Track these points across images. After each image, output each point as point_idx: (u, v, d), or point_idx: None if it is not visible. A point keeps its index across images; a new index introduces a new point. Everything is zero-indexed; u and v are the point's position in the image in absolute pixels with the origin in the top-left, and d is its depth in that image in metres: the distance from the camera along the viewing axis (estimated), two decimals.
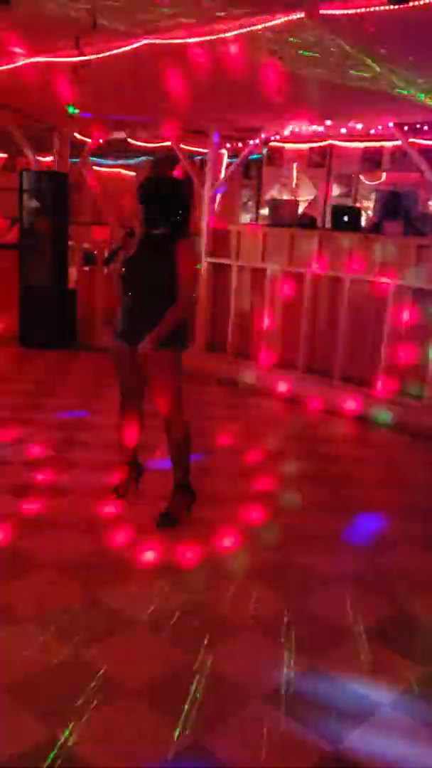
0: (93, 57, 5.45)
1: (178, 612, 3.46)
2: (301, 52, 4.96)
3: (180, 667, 3.06)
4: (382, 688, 3.02)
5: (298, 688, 2.98)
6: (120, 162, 14.66)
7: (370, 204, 10.31)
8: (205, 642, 3.23)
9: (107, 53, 5.43)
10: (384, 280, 7.01)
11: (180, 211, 4.33)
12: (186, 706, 2.80)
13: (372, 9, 4.06)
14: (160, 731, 2.67)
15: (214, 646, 3.21)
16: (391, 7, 3.89)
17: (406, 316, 6.91)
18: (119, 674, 2.97)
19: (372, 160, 11.08)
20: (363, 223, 8.75)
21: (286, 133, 9.02)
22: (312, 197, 11.86)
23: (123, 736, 2.64)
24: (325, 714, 2.84)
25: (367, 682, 3.06)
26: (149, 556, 4.01)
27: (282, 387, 7.54)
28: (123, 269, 4.39)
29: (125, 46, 5.27)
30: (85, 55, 5.41)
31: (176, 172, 10.01)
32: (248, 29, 4.69)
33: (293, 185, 12.14)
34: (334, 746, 2.66)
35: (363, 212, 9.66)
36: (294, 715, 2.81)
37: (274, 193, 12.40)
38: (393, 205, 7.84)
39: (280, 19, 4.41)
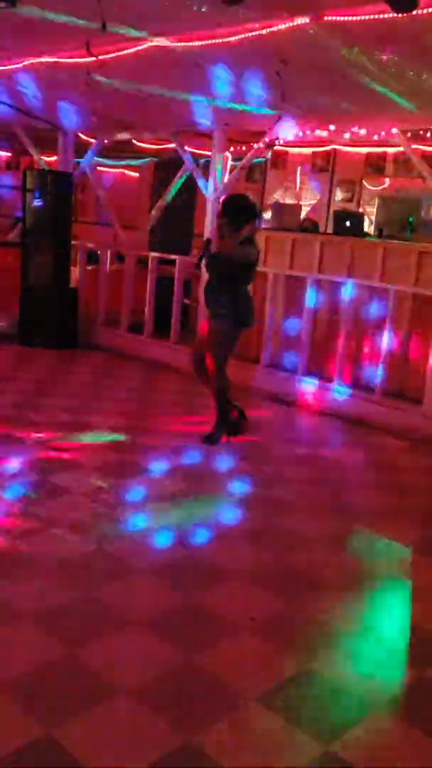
0: (102, 57, 5.48)
1: (175, 612, 3.49)
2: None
3: (175, 667, 3.07)
4: (376, 690, 3.04)
5: (292, 688, 3.00)
6: (124, 163, 14.68)
7: (373, 209, 10.33)
8: (202, 642, 3.25)
9: (113, 54, 5.47)
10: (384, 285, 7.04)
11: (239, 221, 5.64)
12: (180, 707, 2.81)
13: (377, 16, 4.09)
14: (154, 731, 2.68)
15: (210, 647, 3.23)
16: (396, 15, 3.92)
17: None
18: (115, 674, 2.98)
19: (375, 166, 11.10)
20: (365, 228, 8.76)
21: (290, 137, 9.05)
22: (315, 201, 11.88)
23: (116, 736, 2.65)
24: (320, 715, 2.86)
25: (360, 682, 3.08)
26: (148, 555, 4.03)
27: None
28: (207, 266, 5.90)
29: (131, 48, 5.31)
30: (95, 57, 5.44)
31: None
32: (253, 33, 4.73)
33: (297, 189, 12.16)
34: (329, 747, 2.68)
35: (366, 217, 9.69)
36: (288, 715, 2.82)
37: (277, 197, 12.42)
38: None
39: (284, 25, 4.44)
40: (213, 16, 4.51)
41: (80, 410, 6.61)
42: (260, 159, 11.72)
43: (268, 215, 11.34)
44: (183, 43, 5.00)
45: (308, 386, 7.46)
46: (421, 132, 8.00)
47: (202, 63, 5.45)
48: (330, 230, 9.35)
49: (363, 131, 8.46)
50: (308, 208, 11.58)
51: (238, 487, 5.16)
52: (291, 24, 4.47)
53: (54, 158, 10.40)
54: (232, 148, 10.43)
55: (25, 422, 6.11)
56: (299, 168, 11.98)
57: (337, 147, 10.92)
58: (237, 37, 4.74)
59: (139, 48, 5.35)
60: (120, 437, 5.97)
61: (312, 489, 5.26)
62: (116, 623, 3.35)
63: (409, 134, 7.94)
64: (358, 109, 7.02)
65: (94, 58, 5.43)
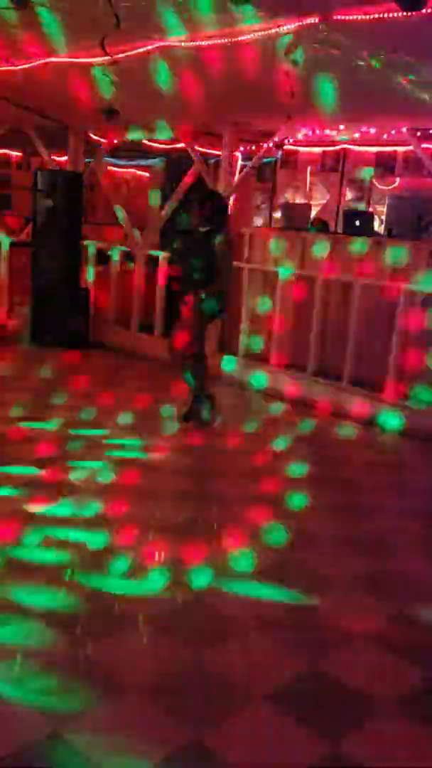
0: (116, 57, 5.48)
1: (182, 611, 3.50)
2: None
3: (183, 666, 3.08)
4: (382, 690, 3.04)
5: (299, 688, 3.01)
6: (134, 163, 14.70)
7: (383, 208, 10.32)
8: (209, 641, 3.26)
9: (124, 54, 5.48)
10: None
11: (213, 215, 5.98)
12: (188, 705, 2.82)
13: (386, 15, 4.09)
14: (162, 729, 2.69)
15: (217, 646, 3.24)
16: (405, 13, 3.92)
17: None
18: (121, 672, 2.99)
19: (386, 165, 11.08)
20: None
21: (300, 136, 9.05)
22: (325, 201, 11.88)
23: (123, 733, 2.66)
24: (326, 714, 2.86)
25: (366, 684, 3.08)
26: (155, 555, 4.04)
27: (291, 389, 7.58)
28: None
29: (141, 47, 5.32)
30: (110, 56, 5.44)
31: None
32: (264, 32, 4.73)
33: (307, 189, 12.16)
34: (334, 746, 2.68)
35: (375, 217, 9.68)
36: (296, 714, 2.83)
37: (287, 196, 12.42)
38: None
39: (294, 24, 4.44)
40: (221, 16, 4.52)
41: (89, 409, 6.62)
42: (270, 158, 11.71)
43: (278, 215, 11.36)
44: (192, 43, 5.02)
45: (319, 387, 7.45)
46: None
47: (211, 63, 5.45)
48: (340, 230, 9.35)
49: (373, 130, 8.45)
50: (318, 208, 11.58)
51: (243, 484, 5.17)
52: (300, 23, 4.48)
53: (64, 158, 10.42)
54: (242, 148, 10.42)
55: (35, 420, 6.14)
56: (309, 167, 11.98)
57: (347, 146, 10.90)
58: (246, 37, 4.75)
59: (150, 47, 5.36)
60: (129, 436, 5.98)
61: (322, 489, 5.26)
62: (126, 622, 3.37)
63: (419, 133, 7.93)
64: (368, 109, 7.01)
65: (106, 57, 5.43)
